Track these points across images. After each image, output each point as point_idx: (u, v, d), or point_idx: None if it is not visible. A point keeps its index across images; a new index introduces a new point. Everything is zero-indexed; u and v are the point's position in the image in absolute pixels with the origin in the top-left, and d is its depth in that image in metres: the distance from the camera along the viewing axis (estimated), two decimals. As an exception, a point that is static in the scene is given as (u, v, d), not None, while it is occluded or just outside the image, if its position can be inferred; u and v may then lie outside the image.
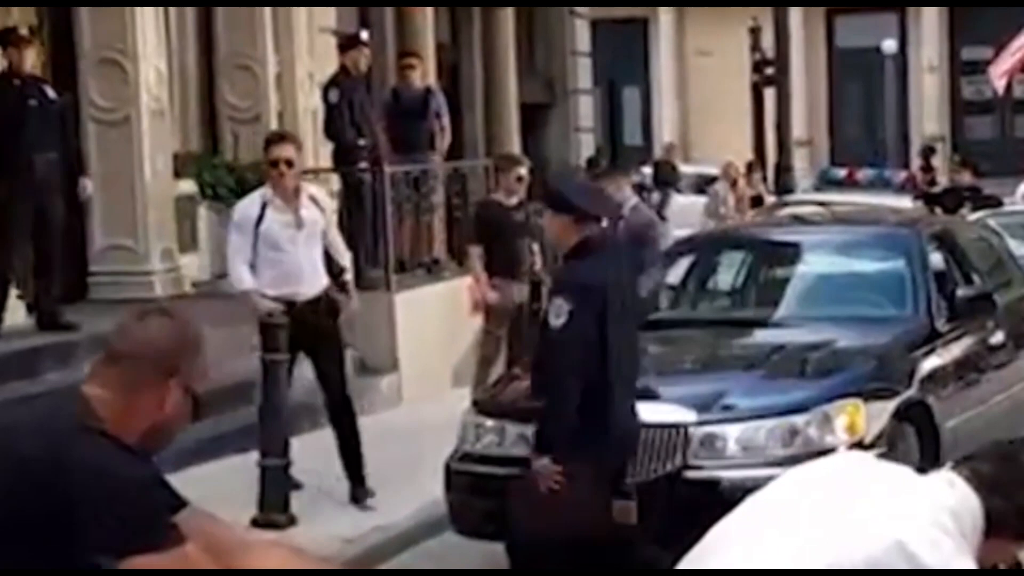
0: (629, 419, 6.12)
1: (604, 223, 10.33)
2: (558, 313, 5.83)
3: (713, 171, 21.54)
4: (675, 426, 6.77)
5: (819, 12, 31.58)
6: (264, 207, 8.34)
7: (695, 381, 7.33)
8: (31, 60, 10.31)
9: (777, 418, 6.72)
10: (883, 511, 2.95)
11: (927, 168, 21.64)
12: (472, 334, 13.10)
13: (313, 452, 8.97)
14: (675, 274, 9.14)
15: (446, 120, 14.01)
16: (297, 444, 8.67)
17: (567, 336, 5.78)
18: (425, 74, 14.73)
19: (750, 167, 20.27)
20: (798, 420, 6.70)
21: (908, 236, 8.55)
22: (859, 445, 6.73)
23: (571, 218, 6.07)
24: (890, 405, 6.97)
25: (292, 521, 8.18)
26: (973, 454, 3.18)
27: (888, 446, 6.84)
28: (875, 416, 6.85)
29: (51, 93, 10.50)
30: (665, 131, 34.87)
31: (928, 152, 22.21)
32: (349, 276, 9.15)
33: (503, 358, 11.43)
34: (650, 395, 7.04)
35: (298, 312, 8.40)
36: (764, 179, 20.08)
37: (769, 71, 22.39)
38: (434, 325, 12.82)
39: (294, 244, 8.40)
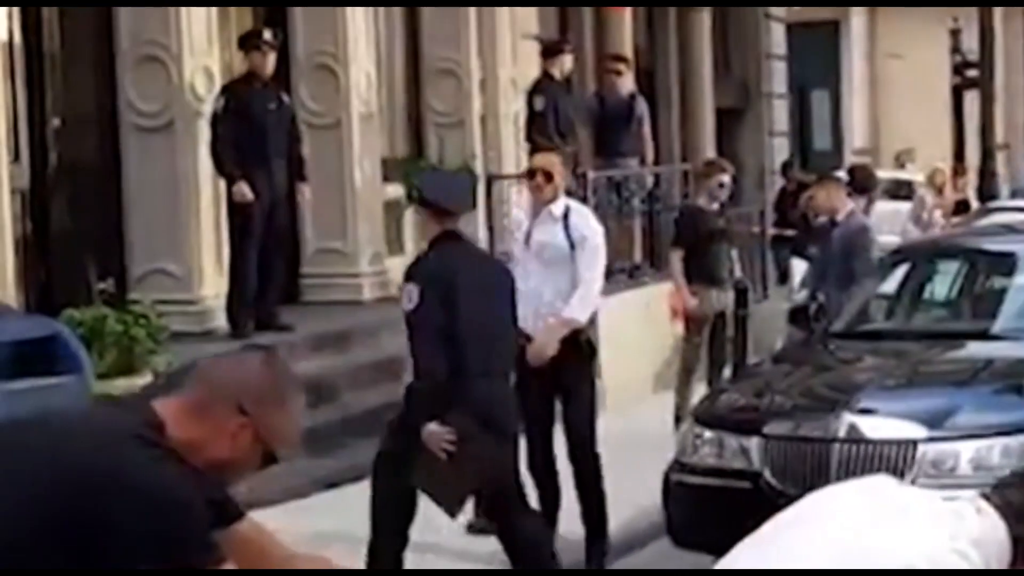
0: (496, 396, 6.44)
1: (825, 226, 10.34)
2: (409, 298, 6.38)
3: (910, 176, 21.04)
4: (904, 442, 6.59)
5: (1018, 13, 30.63)
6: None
7: (922, 395, 7.12)
8: (272, 65, 10.51)
9: (1011, 436, 6.49)
10: (904, 539, 2.86)
11: None
12: (672, 340, 13.01)
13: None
14: (890, 284, 8.90)
15: (647, 127, 13.94)
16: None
17: (419, 318, 6.33)
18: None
19: (956, 172, 19.73)
20: (1034, 438, 6.46)
21: None
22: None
23: (429, 212, 6.53)
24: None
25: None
26: (1003, 481, 3.12)
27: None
28: (1114, 436, 6.57)
29: (285, 98, 10.73)
30: (856, 136, 34.22)
31: None
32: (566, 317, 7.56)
33: (704, 366, 11.34)
34: (874, 410, 6.89)
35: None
36: (968, 184, 19.54)
37: (970, 73, 21.77)
38: (635, 331, 12.74)
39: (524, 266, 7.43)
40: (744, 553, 3.08)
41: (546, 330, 7.26)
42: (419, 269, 6.50)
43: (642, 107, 13.88)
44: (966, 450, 6.51)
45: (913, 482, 6.47)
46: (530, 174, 7.62)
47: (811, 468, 6.71)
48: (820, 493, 3.14)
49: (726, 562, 3.10)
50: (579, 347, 7.46)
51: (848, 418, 6.79)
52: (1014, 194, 21.19)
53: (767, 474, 6.81)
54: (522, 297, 6.86)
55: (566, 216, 7.40)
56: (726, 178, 11.25)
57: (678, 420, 11.04)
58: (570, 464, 7.70)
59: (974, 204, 18.83)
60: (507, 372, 6.66)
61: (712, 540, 6.70)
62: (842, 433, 6.73)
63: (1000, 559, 2.91)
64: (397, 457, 6.51)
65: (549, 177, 7.47)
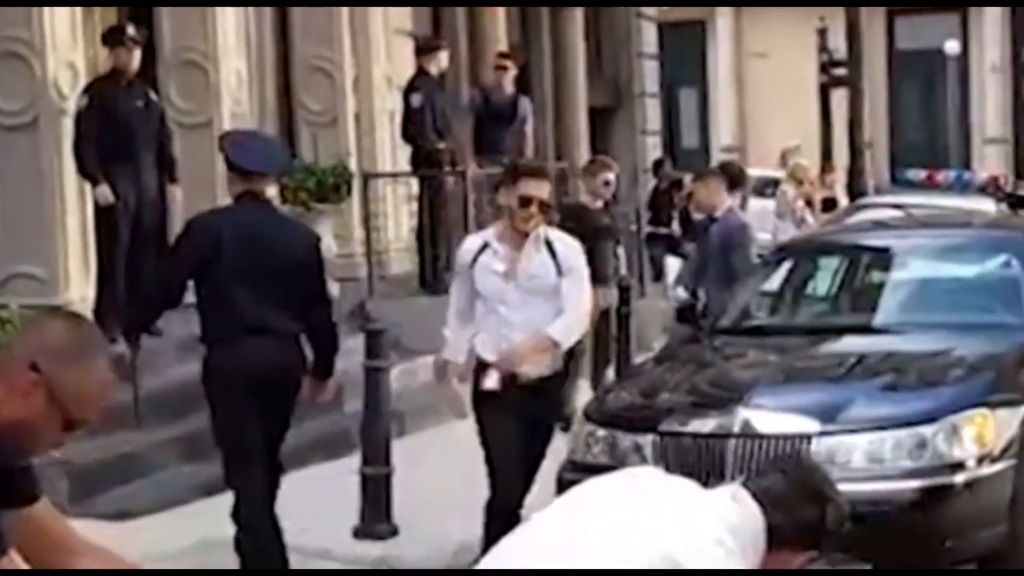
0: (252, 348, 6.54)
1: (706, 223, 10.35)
2: (176, 241, 6.91)
3: (775, 174, 21.25)
4: (798, 436, 6.58)
5: (879, 13, 31.21)
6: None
7: (814, 390, 7.12)
8: (137, 61, 10.20)
9: (904, 429, 6.51)
10: (662, 526, 2.99)
11: None
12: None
13: (411, 459, 8.82)
14: (774, 281, 8.93)
15: (530, 126, 13.88)
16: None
17: (174, 260, 6.82)
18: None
19: (824, 169, 19.97)
20: (926, 431, 6.48)
21: (1021, 239, 8.30)
22: (987, 457, 6.52)
23: (231, 173, 6.72)
24: (1017, 415, 6.74)
25: (394, 531, 8.03)
26: (760, 470, 3.33)
27: (1017, 457, 6.61)
28: (1003, 427, 6.62)
29: (153, 96, 10.43)
30: (723, 134, 34.59)
31: None
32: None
33: (588, 364, 11.31)
34: (767, 405, 6.87)
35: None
36: (836, 181, 19.80)
37: (837, 72, 22.08)
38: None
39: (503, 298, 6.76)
40: (493, 556, 3.21)
41: (526, 342, 6.63)
42: (202, 216, 6.92)
43: (526, 106, 13.83)
44: (860, 443, 6.52)
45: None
46: (523, 202, 6.67)
47: (706, 464, 6.68)
48: (584, 486, 3.23)
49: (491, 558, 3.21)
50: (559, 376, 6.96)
51: (742, 413, 6.77)
52: (878, 190, 21.55)
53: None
54: (515, 329, 6.58)
55: (548, 243, 6.82)
56: (611, 176, 11.29)
57: (562, 419, 10.99)
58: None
59: (843, 201, 19.07)
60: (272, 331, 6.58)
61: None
62: (736, 428, 6.71)
63: (756, 544, 3.07)
64: None
65: (543, 207, 6.80)
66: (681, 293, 14.77)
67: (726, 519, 3.08)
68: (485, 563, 3.28)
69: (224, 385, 6.56)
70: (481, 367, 6.72)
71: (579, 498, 3.22)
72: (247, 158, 6.75)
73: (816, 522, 3.19)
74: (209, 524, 7.42)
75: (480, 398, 6.74)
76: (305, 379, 6.77)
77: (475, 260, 6.73)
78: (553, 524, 3.20)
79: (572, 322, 6.76)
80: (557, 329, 6.68)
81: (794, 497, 3.18)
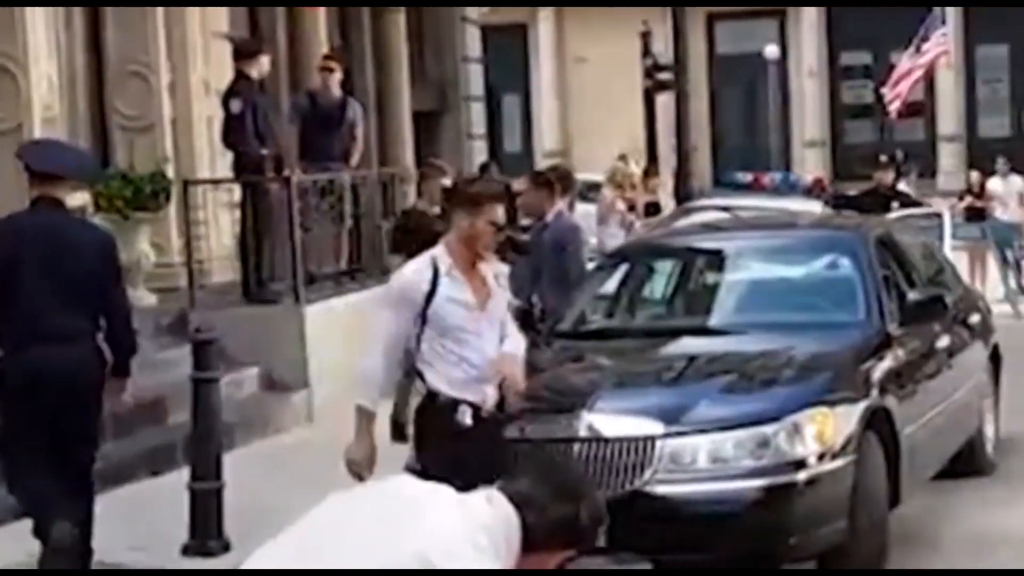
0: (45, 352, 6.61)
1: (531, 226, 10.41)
2: None
3: (599, 178, 21.49)
4: (642, 439, 6.65)
5: (700, 18, 31.82)
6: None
7: (656, 392, 7.21)
8: None
9: (746, 429, 6.62)
10: (417, 526, 3.12)
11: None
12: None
13: (241, 473, 8.69)
14: (611, 284, 9.03)
15: (360, 130, 13.80)
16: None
17: None
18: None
19: (646, 173, 20.25)
20: (768, 430, 6.61)
21: (855, 240, 8.52)
22: (828, 454, 6.67)
23: (29, 176, 6.82)
24: (856, 413, 6.92)
25: (227, 547, 7.90)
26: (516, 471, 3.41)
27: (856, 454, 6.78)
28: (843, 424, 6.79)
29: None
30: (545, 138, 34.91)
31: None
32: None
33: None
34: (610, 408, 6.93)
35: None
36: (660, 184, 20.10)
37: (661, 76, 22.42)
38: (345, 338, 12.59)
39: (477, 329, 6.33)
40: (253, 559, 3.29)
41: (510, 362, 6.28)
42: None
43: (356, 108, 13.74)
44: (703, 444, 6.61)
45: (653, 478, 6.55)
46: (496, 227, 6.32)
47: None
48: (343, 492, 3.33)
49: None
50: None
51: (586, 417, 6.82)
52: (702, 193, 21.95)
53: (506, 478, 6.73)
54: (484, 359, 6.22)
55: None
56: (447, 181, 11.36)
57: (396, 426, 10.94)
58: None
59: (669, 205, 19.37)
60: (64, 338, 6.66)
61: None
62: (582, 432, 6.76)
63: (510, 544, 3.18)
64: None
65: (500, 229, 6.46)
66: (511, 299, 14.83)
67: (479, 519, 3.17)
68: (244, 565, 3.35)
69: (13, 391, 6.60)
70: (453, 405, 6.21)
71: (337, 502, 3.31)
72: (41, 160, 6.85)
73: (570, 521, 3.24)
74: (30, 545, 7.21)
75: (442, 437, 6.24)
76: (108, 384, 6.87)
77: (434, 291, 6.17)
78: (311, 527, 3.28)
79: (519, 337, 6.47)
80: (519, 347, 6.37)
81: (545, 497, 3.24)
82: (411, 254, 10.99)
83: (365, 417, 6.39)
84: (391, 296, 6.35)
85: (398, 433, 10.97)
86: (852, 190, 24.43)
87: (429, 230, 11.11)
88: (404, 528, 3.13)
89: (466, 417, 6.23)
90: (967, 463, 8.93)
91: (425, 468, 6.08)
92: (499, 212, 6.25)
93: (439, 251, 6.33)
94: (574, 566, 3.32)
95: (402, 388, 11.13)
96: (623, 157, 18.15)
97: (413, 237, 11.16)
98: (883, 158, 17.87)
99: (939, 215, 13.25)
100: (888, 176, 15.78)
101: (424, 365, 6.27)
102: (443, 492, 3.27)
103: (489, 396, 6.26)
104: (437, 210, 11.30)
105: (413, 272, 6.32)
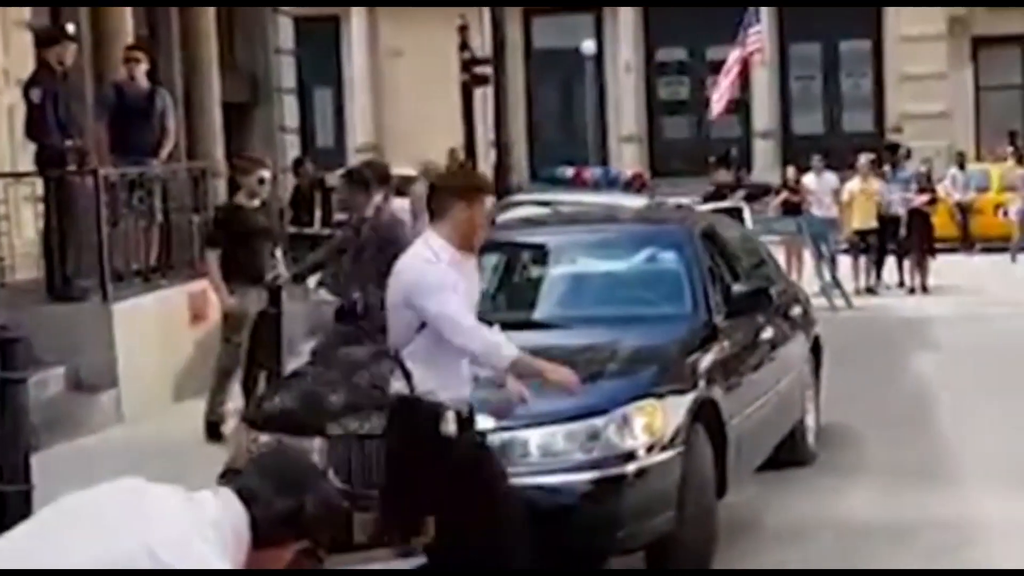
0: None
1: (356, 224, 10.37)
2: None
3: (413, 172, 21.49)
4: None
5: (516, 13, 32.02)
6: None
7: (484, 386, 7.23)
8: None
9: (576, 422, 6.70)
10: (144, 520, 3.21)
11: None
12: (194, 345, 12.76)
13: (49, 475, 8.50)
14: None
15: (171, 122, 13.59)
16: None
17: None
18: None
19: (463, 168, 20.31)
20: (598, 423, 6.70)
21: (680, 233, 8.67)
22: (657, 446, 6.79)
23: None
24: (684, 404, 7.05)
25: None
26: (245, 468, 3.56)
27: (684, 445, 6.91)
28: (672, 416, 6.92)
29: None
30: (359, 133, 34.79)
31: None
32: None
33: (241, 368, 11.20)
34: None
35: None
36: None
37: (479, 70, 22.51)
38: (154, 336, 12.44)
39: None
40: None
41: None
42: None
43: (165, 99, 13.53)
44: (533, 437, 6.67)
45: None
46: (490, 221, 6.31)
47: (378, 466, 6.68)
48: (71, 496, 3.37)
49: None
50: None
51: (413, 412, 6.80)
52: (519, 188, 22.11)
53: (332, 475, 6.73)
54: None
55: None
56: (266, 174, 11.34)
57: (211, 426, 10.84)
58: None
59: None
60: None
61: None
62: (408, 428, 6.73)
63: (239, 539, 3.27)
64: None
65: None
66: (324, 295, 14.81)
67: (207, 515, 3.24)
68: None
69: None
70: (437, 410, 6.01)
71: (65, 502, 3.35)
72: None
73: (294, 513, 3.32)
74: None
75: (420, 442, 6.03)
76: None
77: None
78: (51, 513, 3.34)
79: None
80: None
81: (270, 491, 3.32)
82: (227, 247, 11.00)
83: (524, 360, 6.10)
84: (434, 285, 5.98)
85: (213, 432, 10.88)
86: (669, 186, 24.91)
87: (246, 224, 11.06)
88: (132, 520, 3.19)
89: (450, 425, 6.03)
90: (790, 453, 9.17)
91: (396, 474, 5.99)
92: (489, 204, 6.12)
93: (439, 244, 6.07)
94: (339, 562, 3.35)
95: (220, 385, 11.06)
96: (453, 151, 18.21)
97: (227, 231, 11.11)
98: (712, 159, 18.23)
99: (739, 209, 13.57)
100: (722, 174, 16.09)
101: (417, 364, 6.03)
102: (173, 489, 3.34)
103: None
104: (256, 204, 11.22)
105: (427, 261, 6.05)
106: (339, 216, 18.74)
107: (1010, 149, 29.08)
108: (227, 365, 11.10)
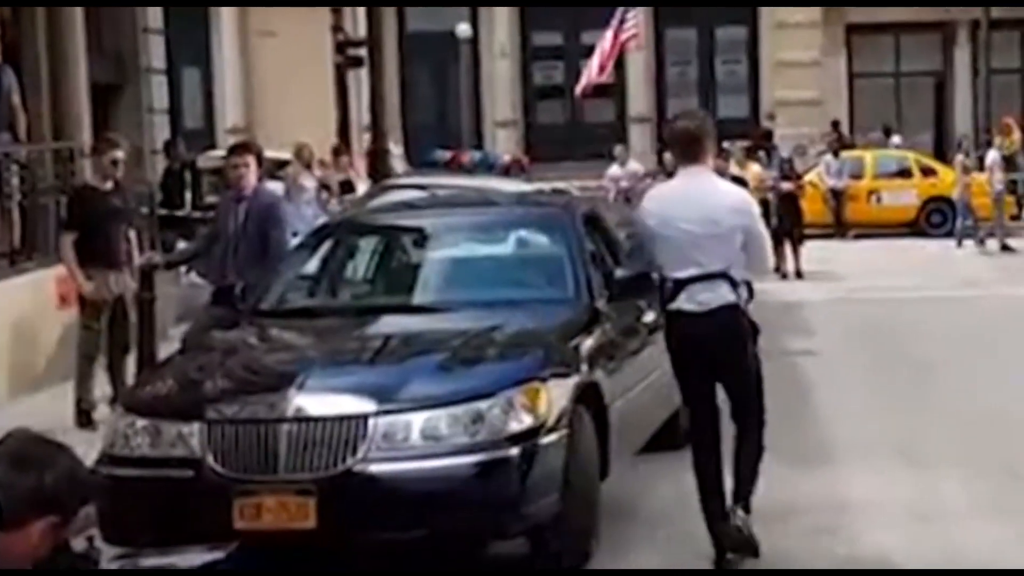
0: None
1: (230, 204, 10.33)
2: None
3: (287, 156, 21.41)
4: (354, 417, 6.72)
5: (388, -7, 31.93)
6: None
7: (367, 370, 7.29)
8: None
9: (460, 405, 6.76)
10: None
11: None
12: (61, 329, 12.61)
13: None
14: (314, 262, 9.03)
15: (18, 98, 13.40)
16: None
17: None
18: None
19: (337, 151, 20.24)
20: (482, 406, 6.76)
21: (562, 217, 8.75)
22: (542, 428, 6.87)
23: None
24: (568, 387, 7.14)
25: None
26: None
27: (568, 428, 7.00)
28: (556, 399, 7.00)
29: None
30: (229, 115, 34.48)
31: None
32: None
33: (105, 353, 11.10)
34: (320, 387, 6.97)
35: None
36: (352, 163, 20.11)
37: (353, 52, 22.40)
38: (21, 320, 12.26)
39: None
40: None
41: None
42: None
43: (10, 77, 13.31)
44: (416, 421, 6.72)
45: (366, 457, 6.63)
46: None
47: (259, 451, 6.73)
48: None
49: None
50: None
51: (294, 397, 6.86)
52: (396, 171, 22.06)
53: (210, 460, 6.74)
54: None
55: None
56: (119, 154, 11.19)
57: (81, 412, 10.73)
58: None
59: (361, 184, 19.39)
60: None
61: (151, 532, 6.59)
62: (289, 413, 6.79)
63: None
64: None
65: None
66: (195, 278, 14.68)
67: None
68: None
69: None
70: None
71: None
72: None
73: (34, 490, 3.33)
74: None
75: None
76: None
77: None
78: None
79: None
80: None
81: (7, 473, 3.34)
82: (82, 231, 10.86)
83: None
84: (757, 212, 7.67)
85: (85, 419, 10.73)
86: (544, 171, 25.04)
87: (99, 207, 10.94)
88: None
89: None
90: (667, 437, 9.27)
91: None
92: None
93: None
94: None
95: (83, 372, 10.90)
96: (301, 149, 18.12)
97: (81, 214, 10.99)
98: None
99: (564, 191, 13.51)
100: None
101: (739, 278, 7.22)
102: None
103: None
104: (110, 186, 11.11)
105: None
106: (210, 198, 18.62)
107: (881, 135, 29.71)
108: (88, 351, 10.99)
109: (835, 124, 31.81)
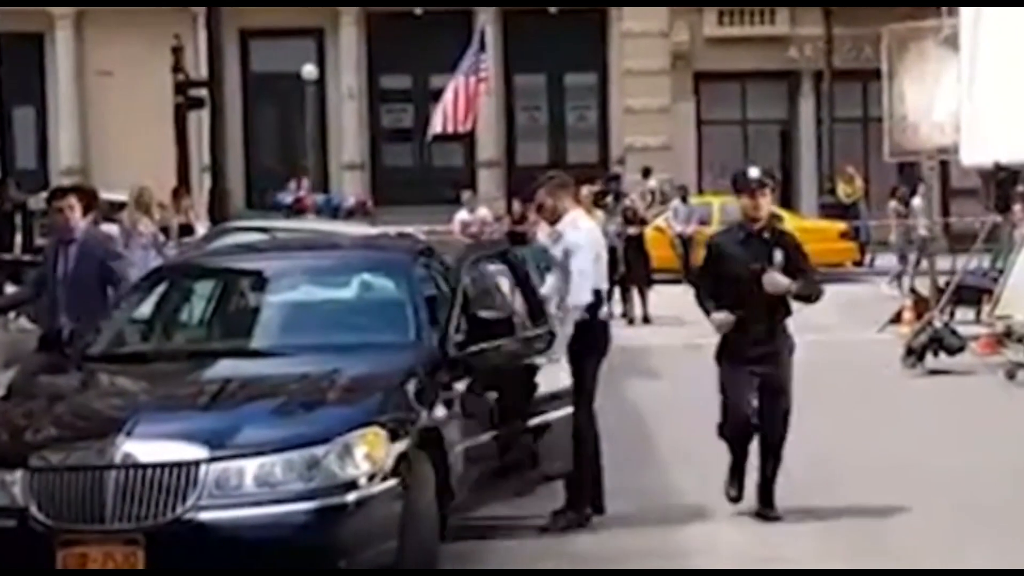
0: None
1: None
2: None
3: (122, 198, 21.16)
4: (184, 464, 6.63)
5: (233, 34, 31.76)
6: None
7: (200, 416, 7.19)
8: None
9: (295, 451, 6.71)
10: None
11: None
12: None
13: None
14: (148, 306, 8.90)
15: None
16: None
17: None
18: None
19: (176, 193, 20.02)
20: (318, 452, 6.72)
21: (403, 260, 8.73)
22: (379, 474, 6.83)
23: None
24: (407, 432, 7.11)
25: None
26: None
27: (407, 474, 6.98)
28: (394, 444, 6.97)
29: None
30: (63, 155, 33.99)
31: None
32: None
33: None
34: (149, 433, 6.87)
35: None
36: (192, 205, 19.91)
37: (194, 92, 22.26)
38: None
39: None
40: None
41: None
42: None
43: None
44: (250, 467, 6.66)
45: (198, 503, 6.54)
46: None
47: (85, 499, 6.62)
48: None
49: None
50: None
51: (122, 443, 6.77)
52: (237, 214, 21.94)
53: (34, 509, 6.62)
54: None
55: None
56: None
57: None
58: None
59: (200, 226, 19.21)
60: None
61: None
62: (117, 459, 6.71)
63: None
64: None
65: None
66: (24, 323, 14.42)
67: None
68: None
69: None
70: None
71: None
72: None
73: None
74: None
75: None
76: None
77: None
78: None
79: None
80: None
81: None
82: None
83: None
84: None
85: None
86: (392, 215, 25.01)
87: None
88: None
89: None
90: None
91: None
92: None
93: None
94: None
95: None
96: (141, 193, 17.92)
97: None
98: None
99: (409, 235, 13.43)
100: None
101: None
102: None
103: None
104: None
105: None
106: (41, 241, 18.30)
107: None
108: None
109: (646, 171, 31.78)
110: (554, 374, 8.91)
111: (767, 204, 9.21)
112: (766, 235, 9.14)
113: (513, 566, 8.21)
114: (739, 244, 9.20)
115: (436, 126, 24.55)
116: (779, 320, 9.14)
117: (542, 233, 9.54)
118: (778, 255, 9.02)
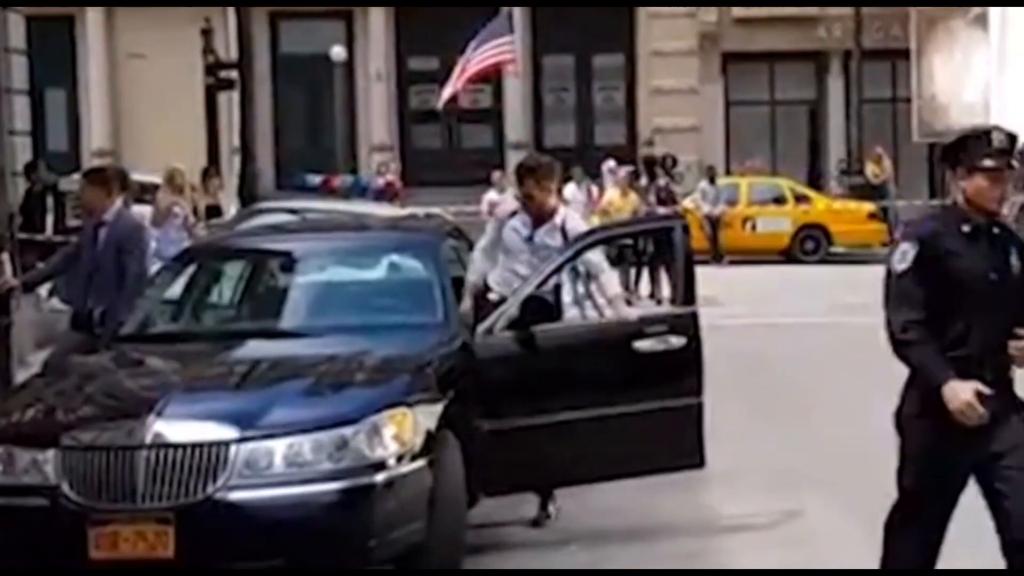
0: None
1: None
2: None
3: (155, 179, 21.23)
4: (214, 444, 6.66)
5: (263, 16, 31.80)
6: None
7: (230, 396, 7.22)
8: None
9: (324, 431, 6.73)
10: None
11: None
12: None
13: None
14: (178, 287, 8.95)
15: None
16: None
17: None
18: None
19: (206, 174, 20.09)
20: (347, 432, 6.74)
21: (431, 241, 8.75)
22: (407, 455, 6.85)
23: None
24: (435, 412, 7.14)
25: None
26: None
27: (435, 454, 6.99)
28: (422, 425, 6.99)
29: None
30: (95, 137, 34.09)
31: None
32: None
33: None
34: (181, 413, 6.90)
35: None
36: (222, 187, 19.98)
37: (224, 74, 22.30)
38: None
39: None
40: None
41: None
42: None
43: None
44: (279, 448, 6.68)
45: (228, 483, 6.57)
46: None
47: (116, 478, 6.66)
48: None
49: None
50: None
51: (153, 423, 6.79)
52: (266, 195, 21.97)
53: (65, 488, 6.66)
54: None
55: None
56: None
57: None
58: None
59: (230, 208, 19.28)
60: None
61: (4, 562, 6.50)
62: (148, 439, 6.73)
63: None
64: None
65: None
66: (57, 303, 14.47)
67: None
68: None
69: None
70: None
71: None
72: None
73: None
74: None
75: None
76: None
77: None
78: None
79: None
80: None
81: None
82: None
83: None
84: None
85: None
86: (420, 196, 25.03)
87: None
88: None
89: None
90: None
91: None
92: None
93: None
94: None
95: None
96: (209, 167, 17.92)
97: None
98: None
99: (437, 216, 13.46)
100: None
101: None
102: None
103: None
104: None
105: None
106: (73, 222, 18.37)
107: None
108: None
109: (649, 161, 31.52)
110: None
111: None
112: (996, 230, 5.85)
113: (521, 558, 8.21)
114: (966, 242, 5.80)
115: (444, 96, 24.44)
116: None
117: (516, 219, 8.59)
118: (1015, 260, 5.83)
